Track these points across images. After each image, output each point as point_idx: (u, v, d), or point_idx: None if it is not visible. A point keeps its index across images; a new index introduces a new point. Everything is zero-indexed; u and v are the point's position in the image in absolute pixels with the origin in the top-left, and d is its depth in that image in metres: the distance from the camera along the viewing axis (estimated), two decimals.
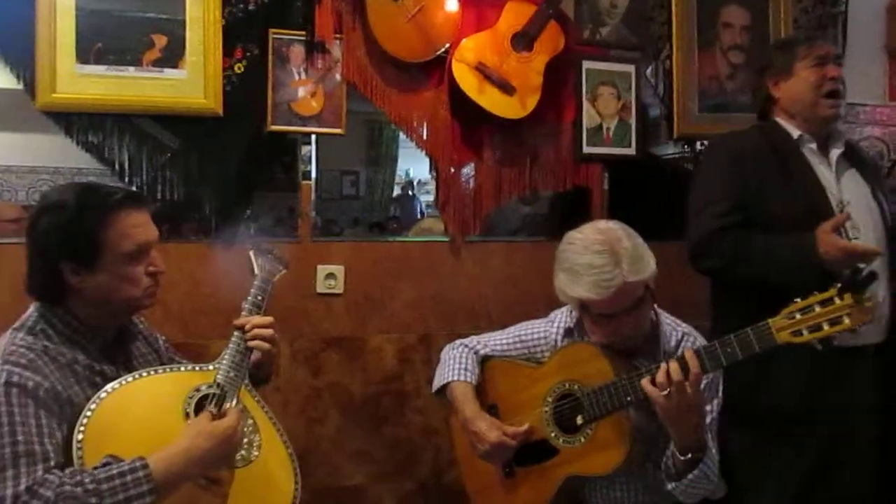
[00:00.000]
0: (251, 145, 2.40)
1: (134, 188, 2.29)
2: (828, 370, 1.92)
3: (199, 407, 1.48)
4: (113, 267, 1.43)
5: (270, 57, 2.39)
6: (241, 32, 2.38)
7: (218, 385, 1.53)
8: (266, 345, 1.63)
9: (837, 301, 1.43)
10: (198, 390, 1.50)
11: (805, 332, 1.45)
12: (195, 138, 2.35)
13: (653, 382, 1.54)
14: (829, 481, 1.97)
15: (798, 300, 1.47)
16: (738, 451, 1.95)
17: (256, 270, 1.75)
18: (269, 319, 1.65)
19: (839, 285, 1.44)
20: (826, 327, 1.44)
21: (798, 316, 1.46)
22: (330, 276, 2.48)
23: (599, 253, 1.61)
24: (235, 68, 2.38)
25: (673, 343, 1.76)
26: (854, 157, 2.11)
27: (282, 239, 2.52)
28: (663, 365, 1.54)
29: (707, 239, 1.98)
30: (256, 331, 1.62)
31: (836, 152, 2.05)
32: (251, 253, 1.79)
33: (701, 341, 1.75)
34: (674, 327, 1.79)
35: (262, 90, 2.39)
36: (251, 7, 2.39)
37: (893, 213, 2.10)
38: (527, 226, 3.44)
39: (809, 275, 1.72)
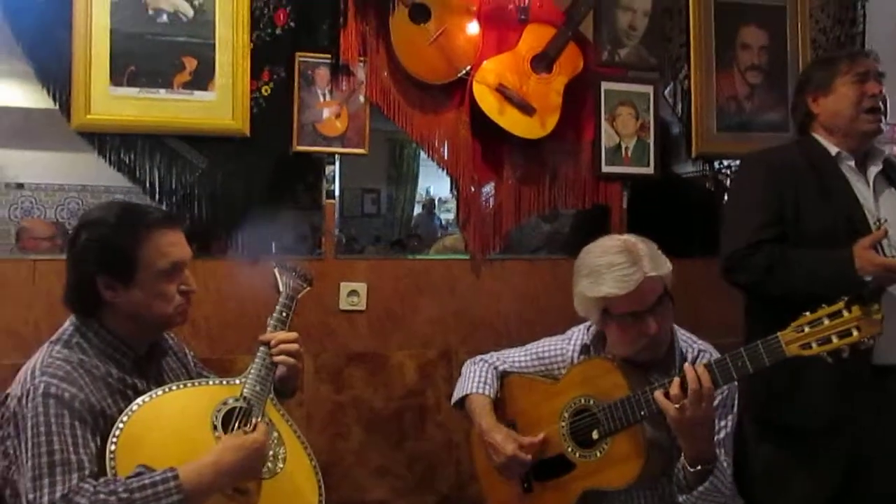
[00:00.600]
0: (277, 165, 2.46)
1: (164, 206, 2.35)
2: (860, 388, 1.91)
3: (227, 420, 1.52)
4: (147, 283, 1.49)
5: (296, 79, 2.45)
6: (268, 55, 2.44)
7: (244, 399, 1.57)
8: (291, 360, 1.67)
9: (846, 314, 1.44)
10: (225, 403, 1.55)
11: (814, 345, 1.46)
12: (223, 158, 2.41)
13: (666, 396, 1.56)
14: (855, 501, 1.96)
15: (807, 313, 1.48)
16: (763, 465, 1.96)
17: (281, 287, 1.79)
18: (293, 335, 1.70)
19: (847, 298, 1.45)
20: (835, 340, 1.44)
21: (807, 329, 1.47)
22: (353, 293, 2.53)
23: (618, 253, 1.68)
24: (263, 90, 2.44)
25: (690, 359, 1.77)
26: (894, 176, 2.10)
27: (305, 256, 2.57)
28: (676, 378, 1.56)
29: (742, 253, 1.98)
30: (282, 346, 1.66)
31: (874, 170, 2.05)
32: (276, 270, 1.83)
33: (715, 354, 1.77)
34: (690, 344, 1.81)
35: (288, 111, 2.45)
36: (278, 31, 2.45)
37: None
38: (548, 243, 3.47)
39: (845, 290, 1.72)
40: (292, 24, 2.45)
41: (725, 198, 2.81)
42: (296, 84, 2.45)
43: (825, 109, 2.09)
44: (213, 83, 2.38)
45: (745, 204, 2.08)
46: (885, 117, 2.07)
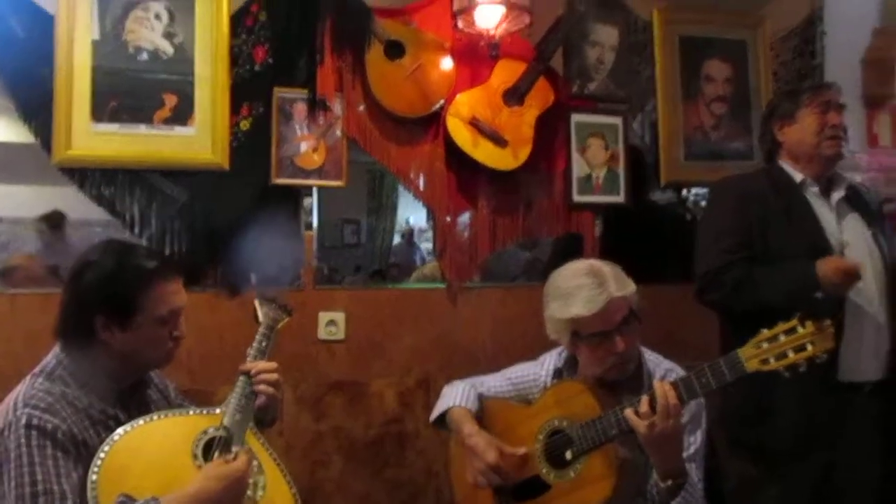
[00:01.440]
0: (256, 197, 2.50)
1: (143, 240, 2.39)
2: (827, 406, 2.00)
3: (207, 448, 1.55)
4: (143, 327, 1.53)
5: (275, 114, 2.51)
6: (247, 91, 2.50)
7: (225, 428, 1.60)
8: (270, 389, 1.70)
9: (801, 330, 1.49)
10: (205, 432, 1.57)
11: (772, 361, 1.51)
12: (203, 191, 2.46)
13: (636, 414, 1.61)
14: None
15: (764, 330, 1.54)
16: (735, 482, 2.01)
17: (261, 318, 1.83)
18: (273, 365, 1.73)
19: (801, 314, 1.51)
20: (791, 355, 1.49)
21: (765, 345, 1.52)
22: (331, 322, 2.57)
23: (585, 276, 1.75)
24: (242, 125, 2.50)
25: (657, 377, 1.83)
26: (857, 201, 2.20)
27: (285, 287, 2.60)
28: (645, 396, 1.61)
29: (713, 273, 2.09)
30: (262, 376, 1.69)
31: (837, 195, 2.15)
32: (256, 301, 1.87)
33: (681, 373, 1.82)
34: (657, 364, 1.87)
35: (267, 145, 2.50)
36: (257, 68, 2.51)
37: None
38: (527, 271, 3.52)
39: (809, 299, 1.80)
40: (270, 60, 2.52)
41: (697, 223, 2.90)
42: (274, 119, 2.51)
43: (790, 137, 2.20)
44: (192, 119, 2.43)
45: (716, 228, 2.17)
46: (846, 144, 2.17)
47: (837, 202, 2.14)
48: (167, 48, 2.43)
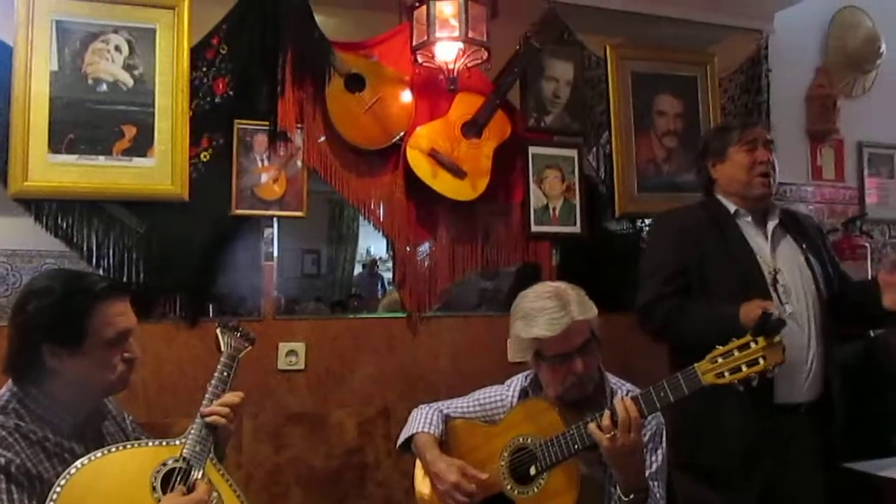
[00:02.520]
0: (216, 228, 2.51)
1: (101, 271, 2.37)
2: (765, 427, 2.07)
3: (166, 481, 1.53)
4: (93, 352, 1.51)
5: (235, 145, 2.53)
6: (207, 123, 2.51)
7: (184, 459, 1.58)
8: (222, 420, 1.67)
9: (753, 345, 1.57)
10: (164, 464, 1.55)
11: (727, 374, 1.58)
12: (162, 222, 2.45)
13: (599, 427, 1.65)
14: None
15: (719, 346, 1.61)
16: (683, 499, 2.05)
17: (223, 347, 1.82)
18: (237, 396, 1.72)
19: (753, 331, 1.59)
20: (744, 369, 1.57)
21: (720, 360, 1.60)
22: (291, 352, 2.57)
23: (549, 298, 1.80)
24: (202, 156, 2.51)
25: (619, 397, 1.88)
26: (793, 228, 2.28)
27: (245, 318, 2.60)
28: (607, 411, 1.65)
29: (650, 304, 2.16)
30: (216, 411, 1.68)
31: (772, 224, 2.23)
32: (217, 330, 1.86)
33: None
34: (619, 385, 1.93)
35: (227, 176, 2.51)
36: (217, 99, 2.53)
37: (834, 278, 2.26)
38: (487, 300, 3.57)
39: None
40: (231, 92, 2.54)
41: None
42: (235, 150, 2.52)
43: (722, 175, 2.28)
44: (152, 150, 2.44)
45: (654, 260, 2.26)
46: (775, 181, 2.24)
47: (772, 230, 2.22)
48: (127, 80, 2.44)
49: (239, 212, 2.52)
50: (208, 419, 1.67)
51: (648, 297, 2.17)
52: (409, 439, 2.00)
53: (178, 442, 1.62)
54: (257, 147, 2.56)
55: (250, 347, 1.87)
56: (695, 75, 3.18)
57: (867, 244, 3.32)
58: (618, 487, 1.70)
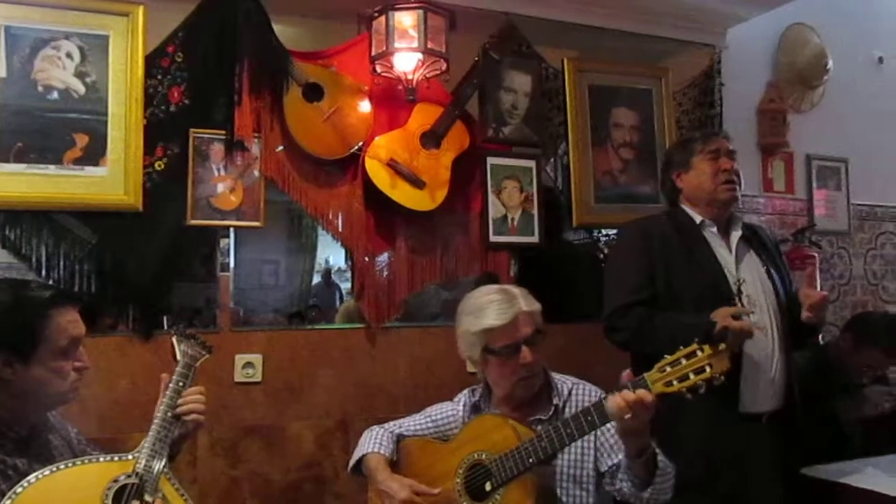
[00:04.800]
0: (171, 239, 2.46)
1: (51, 282, 2.32)
2: (730, 435, 2.10)
3: (118, 498, 1.50)
4: (45, 360, 1.48)
5: (191, 154, 2.49)
6: (162, 132, 2.47)
7: (137, 475, 1.55)
8: (201, 417, 1.69)
9: (699, 353, 1.59)
10: (116, 481, 1.52)
11: (675, 383, 1.60)
12: (115, 233, 2.40)
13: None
14: None
15: (667, 356, 1.63)
16: None
17: (179, 356, 1.79)
18: (199, 389, 1.71)
19: (699, 339, 1.61)
20: (692, 377, 1.59)
21: (668, 369, 1.62)
22: (248, 364, 2.53)
23: (496, 293, 1.89)
24: (156, 165, 2.46)
25: (565, 392, 1.92)
26: (754, 240, 2.34)
27: (201, 330, 2.55)
28: (615, 397, 1.62)
29: (617, 314, 2.18)
30: (192, 406, 1.67)
31: (735, 235, 2.28)
32: (174, 339, 1.83)
33: (590, 387, 1.94)
34: (563, 381, 1.96)
35: (183, 186, 2.47)
36: (172, 108, 2.49)
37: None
38: (446, 311, 3.56)
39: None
40: (187, 101, 2.50)
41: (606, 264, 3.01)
42: (190, 159, 2.49)
43: (688, 184, 2.33)
44: (105, 159, 2.39)
45: (621, 269, 2.28)
46: (740, 187, 2.30)
47: (736, 241, 2.27)
48: (79, 87, 2.39)
49: (195, 222, 2.48)
50: (188, 417, 1.65)
51: (616, 306, 2.19)
52: (361, 461, 2.00)
53: (130, 456, 1.58)
54: (213, 156, 2.53)
55: (208, 356, 1.84)
56: (650, 88, 3.24)
57: (816, 254, 3.41)
58: (626, 457, 1.71)
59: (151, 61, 2.48)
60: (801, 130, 3.64)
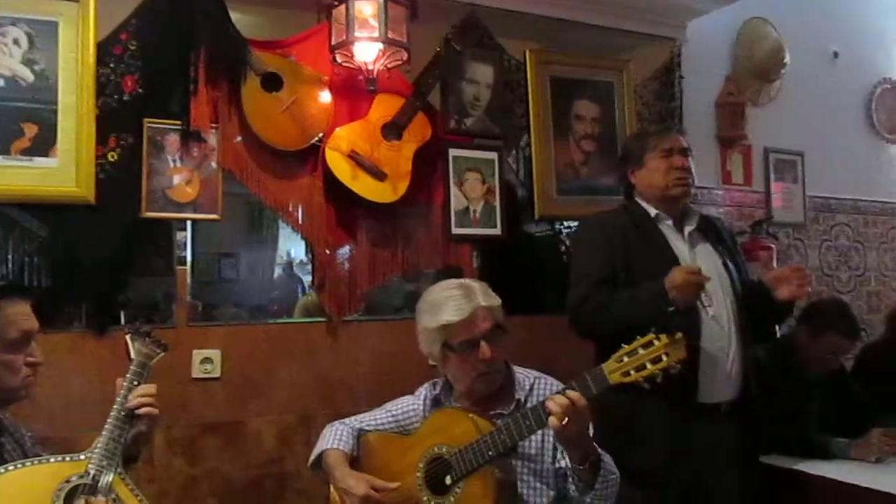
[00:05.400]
0: (125, 232, 2.40)
1: None
2: (689, 426, 2.13)
3: (70, 499, 1.46)
4: None
5: (145, 145, 2.42)
6: (115, 122, 2.40)
7: (89, 475, 1.51)
8: (154, 410, 1.65)
9: (656, 343, 1.61)
10: (68, 481, 1.48)
11: (632, 373, 1.61)
12: (66, 226, 2.33)
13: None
14: None
15: (625, 346, 1.64)
16: None
17: (133, 354, 1.75)
18: (151, 388, 1.68)
19: (655, 329, 1.62)
20: (649, 366, 1.60)
21: (626, 359, 1.63)
22: (206, 360, 2.48)
23: (454, 288, 1.89)
24: (109, 156, 2.39)
25: (527, 386, 1.92)
26: (709, 232, 2.37)
27: (157, 325, 2.50)
28: (551, 402, 1.63)
29: (581, 304, 2.19)
30: (143, 399, 1.63)
31: (689, 228, 2.31)
32: (127, 336, 1.79)
33: (552, 381, 1.93)
34: (525, 375, 1.96)
35: (137, 178, 2.41)
36: (126, 97, 2.42)
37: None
38: (410, 303, 3.54)
39: (662, 311, 1.92)
40: (141, 90, 2.43)
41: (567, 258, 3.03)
42: (145, 150, 2.42)
43: (641, 180, 2.35)
44: (55, 150, 2.31)
45: (582, 263, 2.29)
46: (692, 184, 2.33)
47: (689, 233, 2.30)
48: (27, 75, 2.31)
49: (150, 215, 2.42)
50: (141, 410, 1.62)
51: (579, 297, 2.20)
52: (321, 457, 1.98)
53: (82, 457, 1.54)
54: (169, 147, 2.47)
55: (162, 354, 1.80)
56: (611, 81, 3.25)
57: (773, 246, 3.47)
58: (570, 462, 1.71)
59: (104, 49, 2.40)
60: (758, 123, 3.69)
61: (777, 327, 3.12)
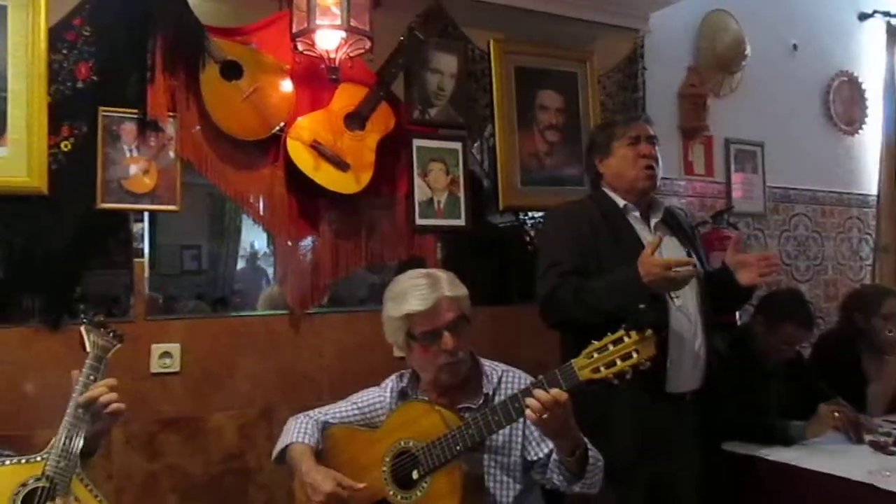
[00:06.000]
0: (79, 224, 2.33)
1: None
2: (657, 415, 2.15)
3: (27, 503, 1.41)
4: None
5: (100, 134, 2.36)
6: (69, 110, 2.33)
7: (47, 478, 1.47)
8: (122, 405, 1.63)
9: (626, 339, 1.60)
10: (24, 485, 1.44)
11: (602, 369, 1.61)
12: (18, 217, 2.26)
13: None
14: None
15: (595, 342, 1.63)
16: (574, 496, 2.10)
17: (89, 347, 1.70)
18: (111, 382, 1.65)
19: (626, 326, 1.61)
20: (619, 363, 1.60)
21: (596, 355, 1.62)
22: (165, 354, 2.43)
23: (420, 278, 1.88)
24: (63, 146, 2.32)
25: (495, 380, 1.91)
26: (673, 223, 2.39)
27: (114, 319, 2.44)
28: (530, 399, 1.62)
29: (551, 293, 2.17)
30: (105, 397, 1.60)
31: (655, 219, 2.32)
32: (83, 328, 1.76)
33: (520, 374, 1.92)
34: (493, 368, 1.95)
35: (92, 168, 2.34)
36: (80, 85, 2.35)
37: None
38: (375, 294, 3.52)
39: (639, 299, 1.91)
40: (95, 78, 2.37)
41: (534, 248, 3.03)
42: (100, 139, 2.36)
43: (609, 169, 2.35)
44: (4, 139, 2.24)
45: (551, 254, 2.27)
46: (659, 174, 2.33)
47: (656, 225, 2.32)
48: None
49: (105, 206, 2.36)
50: (109, 409, 1.58)
51: (551, 286, 2.18)
52: (285, 451, 1.95)
53: (39, 458, 1.49)
54: (125, 136, 2.40)
55: (119, 346, 1.76)
56: (575, 71, 3.25)
57: (733, 235, 3.51)
58: (557, 454, 1.71)
59: (56, 34, 2.32)
60: (720, 115, 3.73)
61: (737, 315, 3.18)
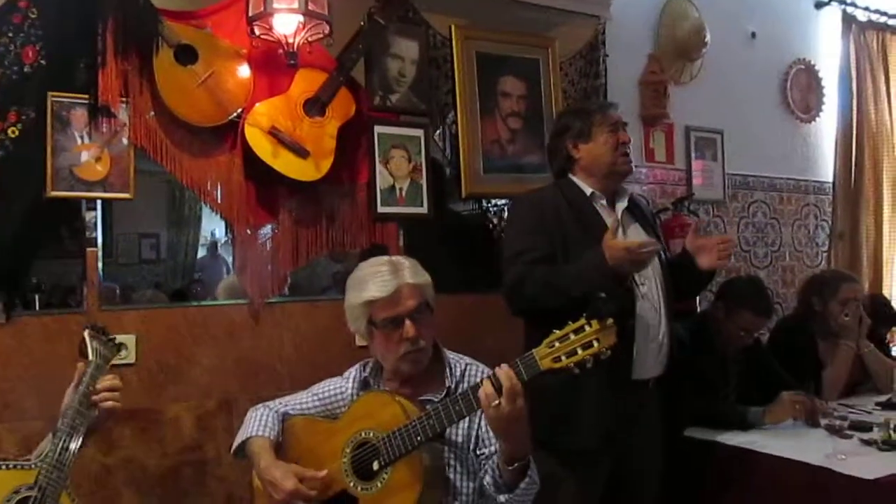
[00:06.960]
0: (28, 213, 2.27)
1: None
2: (621, 402, 2.16)
3: None
4: None
5: (49, 120, 2.29)
6: (15, 95, 2.26)
7: (39, 487, 1.43)
8: (119, 404, 1.66)
9: (587, 328, 1.58)
10: (17, 492, 1.42)
11: (563, 358, 1.59)
12: None
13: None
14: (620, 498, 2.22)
15: (556, 331, 1.62)
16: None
17: (91, 355, 1.68)
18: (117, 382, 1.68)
19: (587, 314, 1.60)
20: (580, 352, 1.58)
21: (557, 344, 1.60)
22: (120, 345, 2.38)
23: (382, 265, 1.85)
24: (9, 132, 2.25)
25: (458, 373, 1.89)
26: (636, 211, 2.40)
27: (65, 310, 2.38)
28: (488, 379, 1.59)
29: (518, 281, 2.16)
30: (107, 394, 1.62)
31: (620, 206, 2.33)
32: (86, 335, 1.72)
33: (484, 368, 1.90)
34: (457, 360, 1.93)
35: (41, 155, 2.27)
36: (27, 69, 2.27)
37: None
38: (337, 283, 3.49)
39: (605, 282, 1.93)
40: (43, 62, 2.29)
41: (498, 235, 3.03)
42: (49, 126, 2.28)
43: (587, 154, 2.33)
44: None
45: (518, 240, 2.27)
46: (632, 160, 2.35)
47: (621, 212, 2.32)
48: None
49: (55, 194, 2.29)
50: (105, 405, 1.59)
51: (518, 273, 2.17)
52: (244, 444, 1.91)
53: (32, 465, 1.46)
54: (75, 123, 2.33)
55: (120, 354, 1.80)
56: (537, 58, 3.23)
57: (694, 222, 3.54)
58: (499, 457, 1.66)
59: (1, 17, 2.24)
60: (680, 102, 3.75)
61: (697, 302, 3.22)
